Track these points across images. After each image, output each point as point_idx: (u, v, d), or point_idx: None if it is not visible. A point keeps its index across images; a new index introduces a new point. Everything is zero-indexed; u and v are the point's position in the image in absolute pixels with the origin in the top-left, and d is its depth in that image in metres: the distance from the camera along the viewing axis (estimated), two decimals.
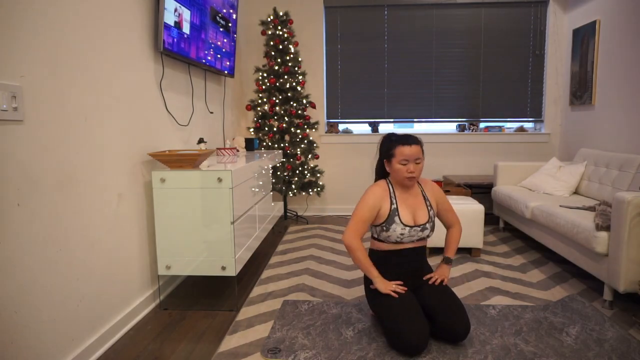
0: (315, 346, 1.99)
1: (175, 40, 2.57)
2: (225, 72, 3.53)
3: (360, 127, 4.95)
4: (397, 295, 1.97)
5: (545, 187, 3.62)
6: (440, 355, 1.90)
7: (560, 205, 3.01)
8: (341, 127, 4.90)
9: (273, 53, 4.22)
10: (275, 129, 4.24)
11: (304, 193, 4.43)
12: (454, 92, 4.73)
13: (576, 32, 4.24)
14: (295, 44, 4.26)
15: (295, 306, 2.42)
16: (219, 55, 3.32)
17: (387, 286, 2.01)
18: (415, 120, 4.81)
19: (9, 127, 1.49)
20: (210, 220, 2.33)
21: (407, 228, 2.02)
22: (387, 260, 2.11)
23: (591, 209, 2.86)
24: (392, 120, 4.82)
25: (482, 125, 4.83)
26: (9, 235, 1.48)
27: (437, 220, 3.14)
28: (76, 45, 1.84)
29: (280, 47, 4.19)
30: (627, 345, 1.98)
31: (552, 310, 2.35)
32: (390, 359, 1.89)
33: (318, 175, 4.44)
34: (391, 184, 2.12)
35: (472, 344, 2.00)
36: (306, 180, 4.40)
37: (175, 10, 2.54)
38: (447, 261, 2.18)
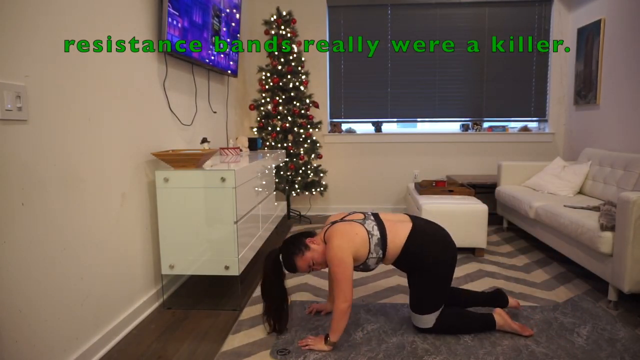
0: None
1: (178, 40, 2.57)
2: (229, 71, 3.53)
3: (364, 127, 4.94)
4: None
5: (549, 187, 3.61)
6: (450, 357, 1.90)
7: (565, 205, 3.00)
8: (344, 126, 4.89)
9: (276, 53, 4.22)
10: (278, 128, 4.24)
11: (307, 193, 4.42)
12: (458, 91, 4.72)
13: (581, 31, 4.22)
14: (299, 44, 4.26)
15: (303, 307, 2.42)
16: (222, 55, 3.33)
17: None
18: (418, 119, 4.80)
19: (13, 126, 1.49)
20: (213, 219, 2.34)
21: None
22: None
23: (596, 209, 2.85)
24: (395, 120, 4.82)
25: (485, 124, 4.81)
26: (13, 235, 1.49)
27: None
28: (80, 45, 1.84)
29: (284, 46, 4.19)
30: (639, 345, 1.97)
31: (562, 310, 2.34)
32: (400, 359, 1.89)
33: (321, 174, 4.44)
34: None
35: (483, 345, 1.99)
36: (309, 179, 4.40)
37: (179, 11, 2.55)
38: (326, 339, 1.96)
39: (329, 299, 2.35)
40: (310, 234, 2.10)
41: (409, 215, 2.18)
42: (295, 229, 4.19)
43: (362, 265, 2.06)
